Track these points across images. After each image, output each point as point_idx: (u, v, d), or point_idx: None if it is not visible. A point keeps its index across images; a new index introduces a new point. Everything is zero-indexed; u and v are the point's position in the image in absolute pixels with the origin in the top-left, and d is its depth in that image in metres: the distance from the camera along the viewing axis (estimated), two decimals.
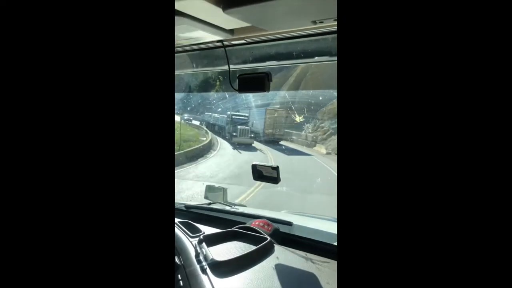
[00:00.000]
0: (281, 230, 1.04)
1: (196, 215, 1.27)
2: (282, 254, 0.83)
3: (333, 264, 0.79)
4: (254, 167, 0.98)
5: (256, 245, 0.83)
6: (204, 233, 0.93)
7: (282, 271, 0.74)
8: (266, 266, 0.76)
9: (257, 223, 1.03)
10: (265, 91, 0.85)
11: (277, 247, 0.87)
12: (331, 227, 1.12)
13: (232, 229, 0.96)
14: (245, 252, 0.79)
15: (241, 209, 1.38)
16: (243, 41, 0.93)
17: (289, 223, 1.13)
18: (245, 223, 1.04)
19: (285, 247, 0.88)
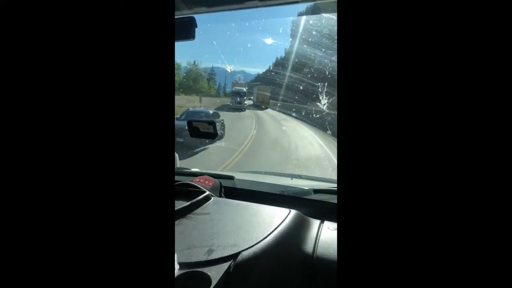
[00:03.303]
0: (223, 184, 1.04)
1: None
2: (224, 205, 0.82)
3: (273, 207, 0.80)
4: (189, 123, 0.92)
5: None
6: None
7: (221, 219, 0.73)
8: (202, 217, 0.74)
9: (197, 179, 1.00)
10: (191, 39, 0.78)
11: (218, 200, 0.86)
12: (278, 180, 1.14)
13: None
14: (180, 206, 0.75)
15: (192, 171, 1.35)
16: None
17: (231, 177, 1.16)
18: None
19: (227, 199, 0.88)
